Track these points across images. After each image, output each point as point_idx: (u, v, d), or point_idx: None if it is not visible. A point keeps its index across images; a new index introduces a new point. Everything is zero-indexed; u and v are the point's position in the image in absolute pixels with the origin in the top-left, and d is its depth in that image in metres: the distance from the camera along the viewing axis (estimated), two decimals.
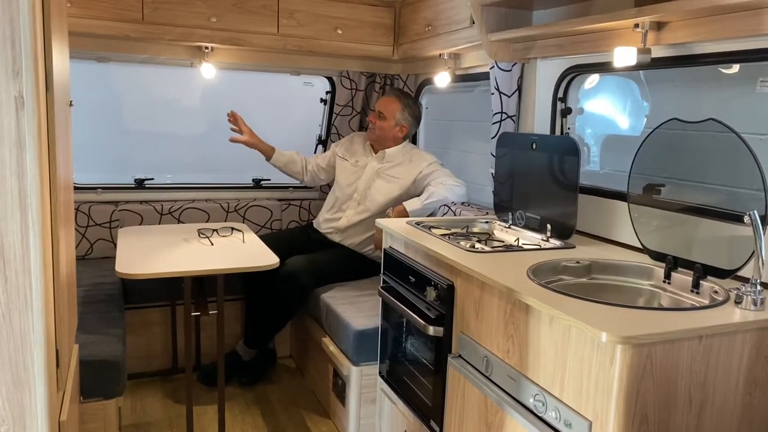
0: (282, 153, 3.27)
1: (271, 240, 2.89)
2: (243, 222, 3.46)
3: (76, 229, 3.21)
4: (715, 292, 1.52)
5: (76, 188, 3.28)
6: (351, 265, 3.09)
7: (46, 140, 1.33)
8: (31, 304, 1.26)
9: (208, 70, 3.14)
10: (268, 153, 3.23)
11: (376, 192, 3.09)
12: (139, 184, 3.43)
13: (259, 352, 3.09)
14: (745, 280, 1.44)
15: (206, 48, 3.05)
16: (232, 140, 3.12)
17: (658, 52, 1.87)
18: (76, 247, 3.21)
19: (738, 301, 1.41)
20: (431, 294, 1.91)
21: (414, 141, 3.62)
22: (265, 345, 3.13)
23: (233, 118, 3.11)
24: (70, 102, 1.78)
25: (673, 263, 1.69)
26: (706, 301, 1.52)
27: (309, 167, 3.34)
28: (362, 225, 3.11)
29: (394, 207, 2.91)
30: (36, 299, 1.26)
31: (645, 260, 1.80)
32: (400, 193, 3.06)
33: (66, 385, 1.59)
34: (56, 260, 1.42)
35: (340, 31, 3.13)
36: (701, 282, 1.58)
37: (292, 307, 3.00)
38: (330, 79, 3.63)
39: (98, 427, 2.12)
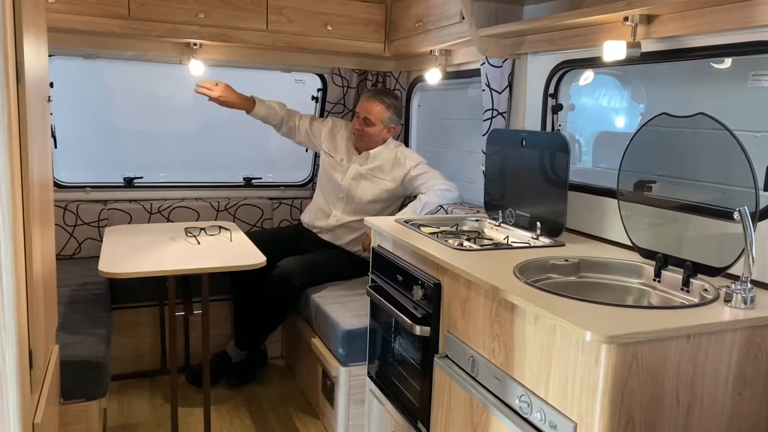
0: (262, 104, 3.15)
1: (260, 238, 2.86)
2: (234, 221, 3.42)
3: (64, 228, 3.18)
4: (705, 290, 1.49)
5: (64, 187, 3.24)
6: (343, 264, 3.06)
7: (17, 135, 1.30)
8: (2, 303, 1.23)
9: (196, 66, 3.10)
10: (247, 107, 3.12)
11: (362, 193, 3.06)
12: (128, 183, 3.40)
13: (249, 353, 3.05)
14: (735, 278, 1.41)
15: (194, 44, 3.01)
16: (210, 99, 3.00)
17: (648, 47, 1.84)
18: (64, 247, 3.19)
19: (728, 300, 1.38)
20: (418, 293, 1.88)
21: (406, 139, 3.59)
22: (257, 347, 3.09)
23: (201, 87, 2.97)
24: (48, 97, 1.75)
25: (663, 261, 1.66)
26: (696, 300, 1.49)
27: (291, 123, 3.24)
28: (352, 225, 3.08)
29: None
30: (7, 298, 1.23)
31: (635, 258, 1.77)
32: (388, 195, 3.04)
33: (42, 387, 1.55)
34: (29, 259, 1.38)
35: (330, 28, 3.09)
36: (691, 280, 1.55)
37: (285, 309, 2.96)
38: (321, 77, 3.60)
39: (80, 429, 2.08)
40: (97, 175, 3.40)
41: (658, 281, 1.66)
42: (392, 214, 3.09)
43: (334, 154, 3.18)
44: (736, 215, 1.36)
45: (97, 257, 2.34)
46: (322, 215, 3.15)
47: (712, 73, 1.87)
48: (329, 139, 3.22)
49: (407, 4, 3.02)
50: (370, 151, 3.07)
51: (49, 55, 2.85)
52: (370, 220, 2.34)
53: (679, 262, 1.61)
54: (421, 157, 3.08)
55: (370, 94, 3.10)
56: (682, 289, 1.57)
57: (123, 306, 3.00)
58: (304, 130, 3.26)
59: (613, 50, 1.78)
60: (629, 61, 1.91)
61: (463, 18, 2.45)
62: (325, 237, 3.13)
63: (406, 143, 3.60)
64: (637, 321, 1.26)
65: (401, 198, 3.14)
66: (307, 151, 3.76)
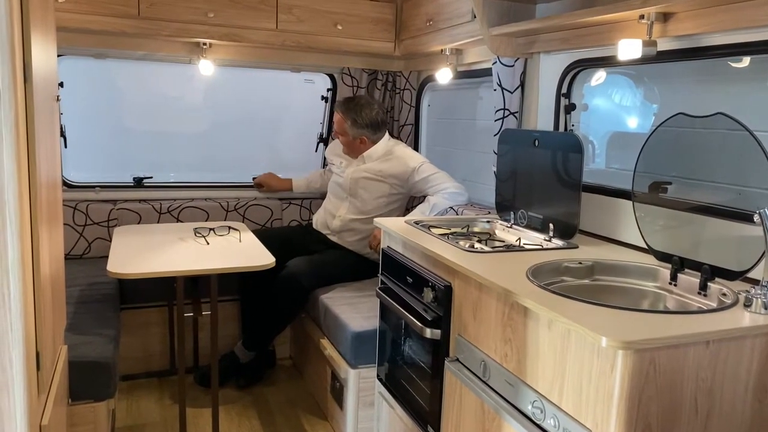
0: (299, 180, 3.54)
1: (268, 237, 2.85)
2: (243, 221, 3.41)
3: (73, 228, 3.18)
4: (724, 294, 1.45)
5: (73, 187, 3.24)
6: (351, 266, 3.04)
7: (24, 135, 1.29)
8: (9, 304, 1.22)
9: (206, 66, 3.09)
10: (287, 187, 3.52)
11: (364, 192, 3.05)
12: (138, 183, 3.39)
13: (257, 353, 3.04)
14: (755, 282, 1.37)
15: (204, 44, 3.01)
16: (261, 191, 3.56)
17: (664, 45, 1.80)
18: (74, 247, 3.18)
19: (747, 304, 1.34)
20: (428, 295, 1.85)
21: (416, 139, 3.57)
22: (265, 348, 3.08)
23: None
24: (57, 97, 1.74)
25: (679, 264, 1.62)
26: (714, 304, 1.45)
27: (325, 176, 3.46)
28: (358, 226, 3.06)
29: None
30: (14, 300, 1.22)
31: (650, 261, 1.73)
32: (390, 192, 3.03)
33: (50, 388, 1.54)
34: (36, 259, 1.37)
35: (340, 27, 3.07)
36: (709, 284, 1.51)
37: (293, 309, 2.94)
38: (331, 77, 3.58)
39: (88, 430, 2.07)
40: (106, 175, 3.39)
41: (675, 285, 1.62)
42: (397, 212, 3.07)
43: (336, 162, 3.24)
44: (756, 218, 1.32)
45: (107, 257, 2.33)
46: (330, 217, 3.16)
47: (729, 72, 1.83)
48: (331, 153, 3.33)
49: (418, 3, 3.00)
50: (364, 153, 3.08)
51: (59, 55, 2.86)
52: (380, 221, 2.31)
53: (695, 266, 1.57)
54: (423, 156, 3.08)
55: (336, 105, 3.18)
56: (699, 293, 1.53)
57: (132, 306, 2.99)
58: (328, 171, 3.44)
59: (629, 49, 1.75)
60: (644, 60, 1.87)
61: (475, 17, 2.42)
62: (333, 239, 3.12)
63: (416, 143, 3.58)
64: (654, 326, 1.23)
65: (406, 197, 3.12)
66: (316, 151, 3.74)
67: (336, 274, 2.97)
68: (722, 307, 1.37)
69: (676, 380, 1.20)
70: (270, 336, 3.02)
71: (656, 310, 1.59)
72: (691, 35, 1.73)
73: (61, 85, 2.87)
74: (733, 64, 1.80)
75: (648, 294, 1.68)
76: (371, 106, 3.08)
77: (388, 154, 3.07)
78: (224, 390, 2.91)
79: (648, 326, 1.22)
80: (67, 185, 3.21)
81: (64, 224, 3.06)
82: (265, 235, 2.87)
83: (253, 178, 3.57)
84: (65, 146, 3.15)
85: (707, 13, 1.62)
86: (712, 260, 1.54)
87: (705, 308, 1.46)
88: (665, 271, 1.66)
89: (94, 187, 3.29)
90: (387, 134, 3.15)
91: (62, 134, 3.11)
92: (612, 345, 1.15)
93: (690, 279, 1.58)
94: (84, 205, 3.20)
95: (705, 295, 1.52)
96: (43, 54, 1.49)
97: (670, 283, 1.63)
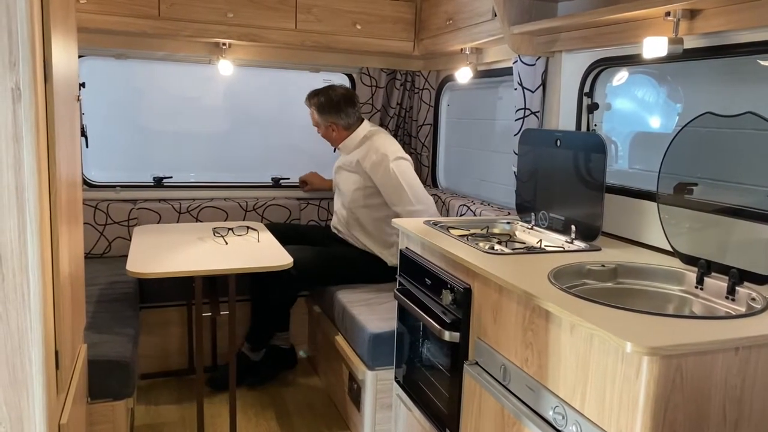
0: None
1: (275, 229, 2.88)
2: (262, 221, 3.41)
3: (94, 227, 3.20)
4: (753, 299, 1.41)
5: (94, 186, 3.28)
6: (356, 263, 2.99)
7: (45, 134, 1.29)
8: (29, 303, 1.22)
9: (225, 66, 3.10)
10: (329, 186, 3.41)
11: (342, 184, 3.05)
12: (158, 183, 3.41)
13: (267, 351, 3.02)
14: None
15: (223, 44, 3.02)
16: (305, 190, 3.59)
17: (690, 43, 1.76)
18: (94, 246, 3.21)
19: None
20: (447, 297, 1.83)
21: (434, 139, 3.54)
22: (266, 341, 3.02)
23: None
24: (78, 97, 1.75)
25: (706, 267, 1.57)
26: (743, 309, 1.41)
27: None
28: (351, 221, 3.02)
29: None
30: (34, 298, 1.22)
31: (675, 264, 1.69)
32: (366, 183, 2.92)
33: (69, 387, 1.55)
34: (56, 258, 1.38)
35: (359, 27, 3.06)
36: (737, 288, 1.47)
37: (281, 298, 2.92)
38: (350, 76, 3.57)
39: (107, 429, 2.08)
40: (127, 175, 3.42)
41: (701, 288, 1.58)
42: (382, 206, 2.95)
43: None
44: None
45: (127, 256, 2.34)
46: (335, 214, 3.17)
47: (758, 70, 1.78)
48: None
49: (437, 2, 2.97)
50: (341, 144, 3.06)
51: (81, 56, 2.89)
52: (398, 222, 2.30)
53: (723, 269, 1.53)
54: (400, 156, 2.88)
55: (305, 100, 3.07)
56: (726, 298, 1.49)
57: (151, 305, 3.01)
58: None
59: (654, 47, 1.71)
60: (669, 59, 1.83)
61: (495, 15, 2.40)
62: (340, 235, 3.11)
63: (435, 143, 3.55)
64: (681, 331, 1.19)
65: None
66: (335, 151, 3.73)
67: (337, 267, 2.94)
68: (751, 313, 1.33)
69: (703, 388, 1.17)
70: (267, 329, 2.99)
71: (682, 314, 1.55)
72: (718, 32, 1.68)
73: (82, 85, 2.88)
74: (763, 62, 1.75)
75: (673, 298, 1.63)
76: (334, 89, 3.01)
77: (364, 143, 2.97)
78: (242, 390, 2.91)
79: (674, 331, 1.19)
80: (88, 185, 3.25)
81: (85, 223, 3.09)
82: (273, 228, 2.90)
83: (300, 178, 3.59)
84: (86, 146, 3.16)
85: (736, 9, 1.58)
86: (740, 263, 1.50)
87: (733, 313, 1.42)
88: (691, 274, 1.61)
89: (114, 186, 3.31)
90: (368, 124, 3.05)
91: (83, 134, 3.13)
92: (637, 351, 1.12)
93: (717, 283, 1.53)
94: (104, 204, 3.23)
95: (733, 300, 1.47)
96: (64, 54, 1.50)
97: (696, 287, 1.59)
